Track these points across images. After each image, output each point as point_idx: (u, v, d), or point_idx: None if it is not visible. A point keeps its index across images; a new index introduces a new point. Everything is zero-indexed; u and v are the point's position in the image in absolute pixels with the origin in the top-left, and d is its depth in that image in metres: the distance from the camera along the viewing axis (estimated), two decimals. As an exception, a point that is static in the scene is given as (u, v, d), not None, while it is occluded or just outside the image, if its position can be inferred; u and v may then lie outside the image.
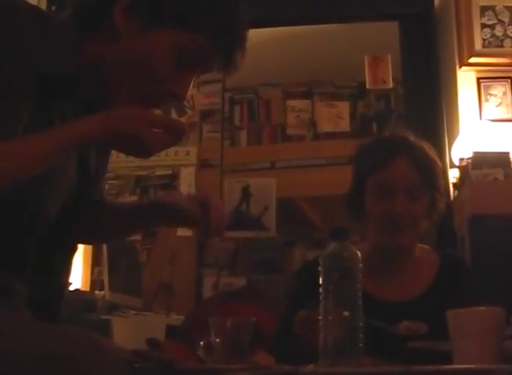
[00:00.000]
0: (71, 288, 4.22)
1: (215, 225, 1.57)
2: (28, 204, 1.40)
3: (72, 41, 1.42)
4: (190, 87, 1.51)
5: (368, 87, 4.49)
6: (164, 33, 1.42)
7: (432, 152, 2.12)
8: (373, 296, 2.01)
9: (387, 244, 2.05)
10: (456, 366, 1.35)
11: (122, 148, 1.40)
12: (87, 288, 4.88)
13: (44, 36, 1.37)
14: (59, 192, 1.49)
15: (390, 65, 4.39)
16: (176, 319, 3.95)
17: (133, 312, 3.95)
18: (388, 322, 1.76)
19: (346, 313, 1.36)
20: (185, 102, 4.27)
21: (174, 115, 4.28)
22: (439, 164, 2.15)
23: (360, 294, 1.38)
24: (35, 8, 1.44)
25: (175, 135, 1.38)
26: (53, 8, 4.56)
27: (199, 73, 1.52)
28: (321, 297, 1.39)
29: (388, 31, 4.25)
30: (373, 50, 4.50)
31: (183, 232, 4.37)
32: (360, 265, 1.40)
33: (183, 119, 4.27)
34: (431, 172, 2.08)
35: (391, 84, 4.46)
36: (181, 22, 1.42)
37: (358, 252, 1.41)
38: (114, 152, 4.28)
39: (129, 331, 3.60)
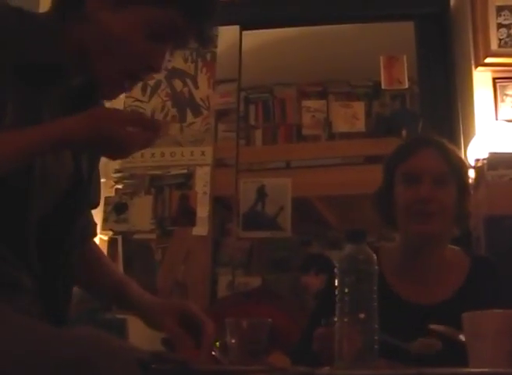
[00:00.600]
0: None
1: (204, 351, 1.58)
2: (19, 192, 1.42)
3: (53, 31, 1.46)
4: (166, 57, 1.55)
5: (383, 87, 4.48)
6: (137, 10, 1.45)
7: (459, 153, 2.15)
8: (400, 297, 2.01)
9: (415, 234, 2.04)
10: (471, 370, 1.35)
11: (102, 149, 1.41)
12: (102, 287, 4.89)
13: (26, 31, 1.42)
14: (53, 186, 1.51)
15: (406, 65, 4.38)
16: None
17: (148, 311, 3.95)
18: (415, 324, 1.77)
19: (361, 315, 1.36)
20: (200, 102, 4.29)
21: (190, 115, 4.28)
22: (467, 164, 2.16)
23: (375, 296, 1.38)
24: (15, 8, 1.48)
25: (153, 133, 1.40)
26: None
27: (174, 46, 1.56)
28: (336, 299, 1.39)
29: (403, 31, 4.25)
30: (388, 50, 4.49)
31: (199, 231, 4.38)
32: (376, 267, 1.40)
33: (199, 120, 4.28)
34: (459, 166, 2.09)
35: (406, 84, 4.45)
36: None
37: (374, 255, 1.41)
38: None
39: (145, 330, 3.59)
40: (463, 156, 3.49)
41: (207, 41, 1.55)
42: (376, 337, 1.37)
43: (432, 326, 1.68)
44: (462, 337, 1.53)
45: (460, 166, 2.10)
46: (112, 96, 1.56)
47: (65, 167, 1.54)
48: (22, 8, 1.49)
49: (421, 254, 2.06)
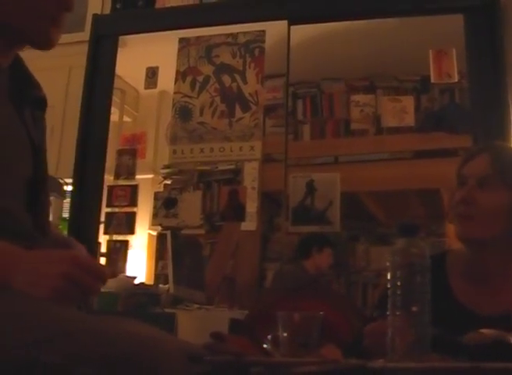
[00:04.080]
0: (136, 282, 4.29)
1: None
2: None
3: None
4: None
5: (432, 81, 4.44)
6: None
7: None
8: (461, 303, 1.99)
9: (457, 236, 2.04)
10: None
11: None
12: (151, 282, 4.94)
13: None
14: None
15: (455, 58, 4.33)
16: (239, 312, 3.97)
17: (197, 305, 3.98)
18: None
19: (414, 309, 1.36)
20: (249, 97, 4.30)
21: (238, 110, 4.30)
22: None
23: (428, 289, 1.38)
24: None
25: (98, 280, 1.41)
26: (117, 5, 4.62)
27: None
28: (389, 292, 1.39)
29: (452, 24, 4.20)
30: (437, 43, 4.45)
31: (247, 226, 4.39)
32: (429, 260, 1.40)
33: (248, 115, 4.29)
34: None
35: (456, 78, 4.40)
36: None
37: (427, 248, 1.40)
38: (178, 148, 4.32)
39: (193, 325, 3.63)
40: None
41: None
42: (428, 331, 1.37)
43: (471, 333, 1.67)
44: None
45: None
46: (51, 44, 1.68)
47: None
48: None
49: (482, 259, 2.04)
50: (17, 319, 1.25)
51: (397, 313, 1.37)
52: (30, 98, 1.75)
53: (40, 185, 1.72)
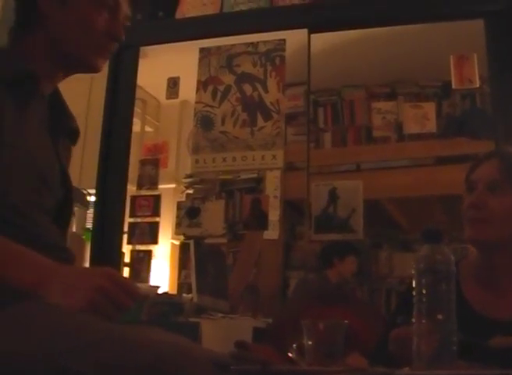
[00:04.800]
0: (159, 291, 4.30)
1: None
2: None
3: (13, 49, 1.69)
4: (122, 26, 1.79)
5: (453, 86, 4.42)
6: None
7: None
8: (473, 308, 1.99)
9: (468, 240, 2.05)
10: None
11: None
12: (174, 291, 4.95)
13: None
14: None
15: (476, 63, 4.32)
16: (263, 321, 3.97)
17: (220, 314, 3.98)
18: (487, 338, 1.74)
19: (439, 316, 1.36)
20: (270, 106, 4.30)
21: (260, 119, 4.30)
22: None
23: (454, 297, 1.37)
24: None
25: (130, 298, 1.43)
26: (138, 17, 4.65)
27: (124, 13, 1.80)
28: (414, 300, 1.39)
29: (473, 29, 4.19)
30: (458, 49, 4.44)
31: (270, 235, 4.39)
32: (454, 268, 1.39)
33: (269, 124, 4.29)
34: None
35: (477, 84, 4.39)
36: None
37: (452, 255, 1.40)
38: (200, 157, 4.32)
39: (218, 334, 3.63)
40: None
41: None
42: (455, 338, 1.36)
43: (497, 338, 1.66)
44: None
45: None
46: (97, 70, 1.77)
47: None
48: None
49: (493, 263, 2.04)
50: (48, 328, 1.26)
51: (423, 321, 1.37)
52: (65, 130, 1.79)
53: (69, 206, 1.77)
